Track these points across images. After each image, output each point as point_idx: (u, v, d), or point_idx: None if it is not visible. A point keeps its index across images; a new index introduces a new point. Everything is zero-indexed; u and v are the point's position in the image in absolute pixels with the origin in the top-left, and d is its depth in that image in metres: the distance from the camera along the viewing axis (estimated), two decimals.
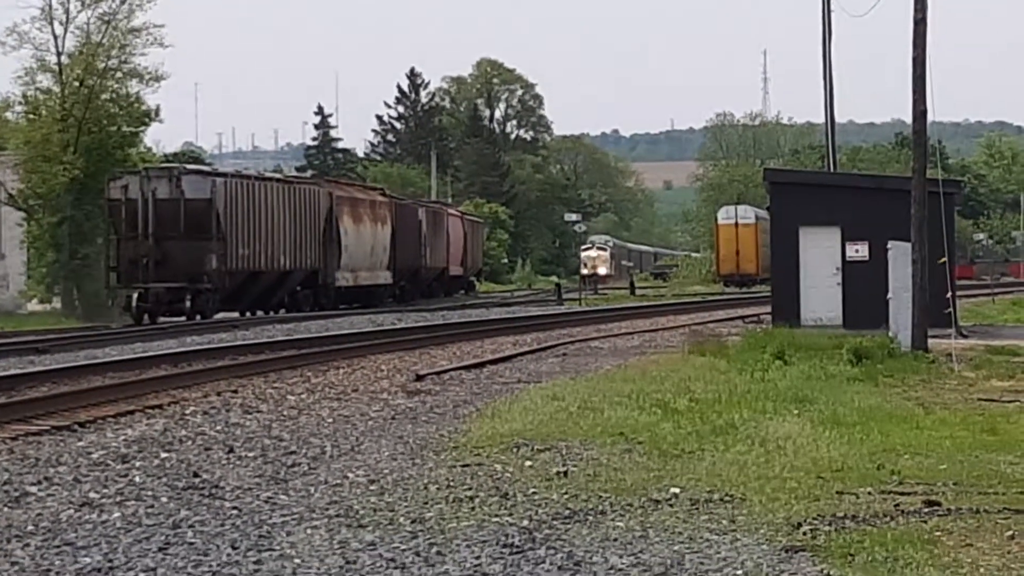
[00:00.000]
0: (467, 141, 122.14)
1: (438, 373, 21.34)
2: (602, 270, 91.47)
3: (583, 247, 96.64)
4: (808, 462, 11.62)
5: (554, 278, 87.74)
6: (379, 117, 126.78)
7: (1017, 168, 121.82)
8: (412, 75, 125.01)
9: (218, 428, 14.80)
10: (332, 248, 48.48)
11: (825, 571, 7.98)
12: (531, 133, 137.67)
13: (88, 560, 8.45)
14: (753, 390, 17.30)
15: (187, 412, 16.27)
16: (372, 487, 10.87)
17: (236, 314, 42.89)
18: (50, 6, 49.15)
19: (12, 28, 49.11)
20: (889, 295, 25.75)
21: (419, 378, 20.55)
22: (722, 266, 77.67)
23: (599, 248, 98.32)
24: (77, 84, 48.68)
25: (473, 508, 9.92)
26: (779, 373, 19.64)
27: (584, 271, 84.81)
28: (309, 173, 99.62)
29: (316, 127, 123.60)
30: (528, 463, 11.91)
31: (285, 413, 16.24)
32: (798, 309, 32.18)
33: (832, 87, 41.57)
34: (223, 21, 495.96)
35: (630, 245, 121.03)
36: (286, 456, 12.68)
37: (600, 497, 10.24)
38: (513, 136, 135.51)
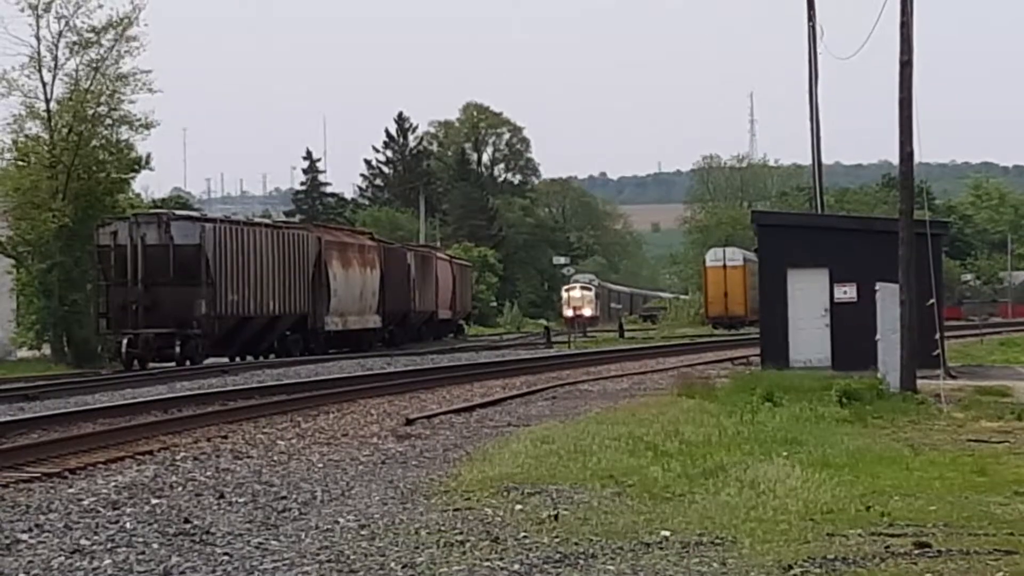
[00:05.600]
0: (455, 185, 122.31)
1: (428, 417, 21.35)
2: (587, 312, 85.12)
3: (566, 287, 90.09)
4: (798, 504, 11.64)
5: (543, 321, 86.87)
6: (367, 161, 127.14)
7: (1004, 209, 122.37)
8: (400, 119, 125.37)
9: (208, 474, 14.79)
10: (321, 293, 48.51)
11: None
12: (519, 176, 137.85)
13: None
14: (742, 432, 17.33)
15: (177, 458, 16.26)
16: (363, 532, 10.88)
17: (226, 359, 42.88)
18: (39, 53, 49.09)
19: (1, 75, 49.07)
20: (877, 336, 25.81)
21: (409, 422, 20.55)
22: (710, 308, 77.67)
23: (583, 288, 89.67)
24: (66, 131, 48.65)
25: (464, 552, 9.93)
26: (768, 415, 19.66)
27: (568, 313, 80.00)
28: (298, 218, 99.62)
29: (304, 172, 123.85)
30: (519, 507, 11.92)
31: (275, 458, 16.23)
32: (787, 351, 32.26)
33: (819, 129, 41.68)
34: (211, 66, 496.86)
35: (611, 286, 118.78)
36: (277, 501, 12.67)
37: (591, 540, 10.26)
38: (501, 179, 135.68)
